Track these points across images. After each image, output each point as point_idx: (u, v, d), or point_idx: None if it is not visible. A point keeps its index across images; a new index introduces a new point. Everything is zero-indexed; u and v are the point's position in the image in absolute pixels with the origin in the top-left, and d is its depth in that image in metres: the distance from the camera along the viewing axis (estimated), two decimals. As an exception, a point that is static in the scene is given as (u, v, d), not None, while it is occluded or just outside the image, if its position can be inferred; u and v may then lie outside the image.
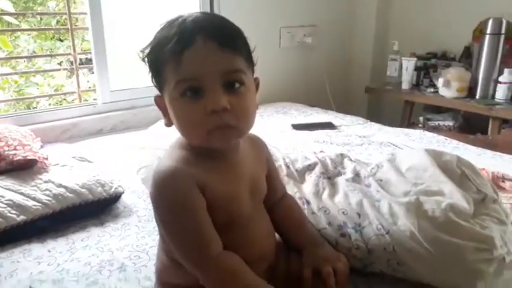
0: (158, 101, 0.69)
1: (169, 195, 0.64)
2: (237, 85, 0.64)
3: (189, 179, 0.64)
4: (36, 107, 2.51)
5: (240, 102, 0.63)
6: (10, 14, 2.49)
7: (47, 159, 1.21)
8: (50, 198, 1.07)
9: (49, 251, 0.97)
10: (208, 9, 2.13)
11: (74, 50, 1.85)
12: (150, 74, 0.68)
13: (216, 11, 2.11)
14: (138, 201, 1.22)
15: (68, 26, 1.81)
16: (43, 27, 3.04)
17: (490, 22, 2.04)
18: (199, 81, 0.62)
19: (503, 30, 2.02)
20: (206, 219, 0.65)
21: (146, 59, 0.67)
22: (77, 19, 2.57)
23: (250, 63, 0.68)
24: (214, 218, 0.67)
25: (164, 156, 0.70)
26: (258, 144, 0.81)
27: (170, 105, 0.65)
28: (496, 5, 2.20)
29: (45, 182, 1.11)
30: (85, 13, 1.84)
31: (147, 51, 0.67)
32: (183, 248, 0.66)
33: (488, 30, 2.04)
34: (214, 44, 0.61)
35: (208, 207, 0.66)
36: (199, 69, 0.61)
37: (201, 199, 0.65)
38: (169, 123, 0.69)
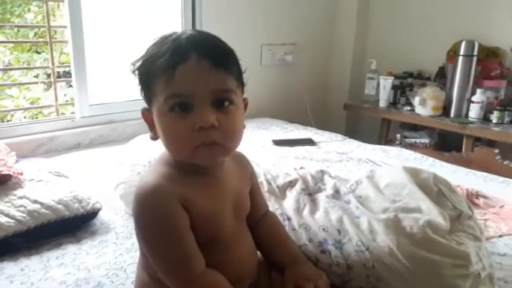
0: (146, 115, 0.69)
1: (152, 212, 0.64)
2: (226, 103, 0.64)
3: (172, 196, 0.64)
4: (10, 120, 2.45)
5: (228, 121, 0.64)
6: (-13, 26, 2.45)
7: (22, 174, 1.18)
8: (24, 215, 1.04)
9: (22, 270, 0.94)
10: (190, 26, 2.15)
11: (53, 63, 1.82)
12: (140, 87, 0.68)
13: (197, 27, 2.13)
14: (116, 218, 1.19)
15: (47, 39, 1.79)
16: (20, 39, 2.99)
17: (463, 44, 2.12)
18: (190, 97, 0.62)
19: (475, 52, 2.11)
20: (189, 237, 0.65)
21: (136, 72, 0.68)
22: (55, 32, 2.54)
23: (241, 83, 0.68)
24: (197, 235, 0.66)
25: (147, 172, 0.70)
26: (242, 161, 0.81)
27: (158, 119, 0.65)
28: (468, 27, 2.30)
29: (20, 197, 1.08)
30: (65, 26, 1.82)
31: (138, 64, 0.67)
32: (165, 265, 0.65)
33: (462, 52, 2.12)
34: (207, 63, 0.61)
35: (192, 224, 0.65)
36: (191, 87, 0.61)
37: (184, 216, 0.64)
38: (155, 137, 0.69)
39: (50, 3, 1.78)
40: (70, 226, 1.10)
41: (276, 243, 0.83)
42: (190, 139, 0.62)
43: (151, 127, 0.69)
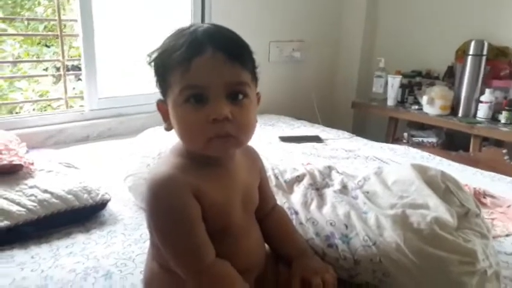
0: (160, 106, 0.70)
1: (164, 202, 0.65)
2: (240, 96, 0.65)
3: (184, 186, 0.65)
4: (19, 113, 2.47)
5: (242, 114, 0.65)
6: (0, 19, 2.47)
7: (32, 164, 1.19)
8: (35, 204, 1.05)
9: (32, 257, 0.95)
10: (199, 21, 2.15)
11: (63, 56, 1.84)
12: (155, 79, 0.69)
13: (206, 20, 2.14)
14: (124, 209, 1.21)
15: (58, 32, 1.80)
16: (30, 32, 3.01)
17: (472, 43, 2.11)
18: (205, 89, 0.63)
19: (484, 52, 2.10)
20: (200, 227, 0.66)
21: (152, 64, 0.69)
22: (65, 25, 2.56)
23: (254, 77, 0.69)
24: (208, 226, 0.67)
25: (159, 163, 0.71)
26: (252, 154, 0.82)
27: (173, 110, 0.66)
28: (478, 27, 2.28)
29: (31, 187, 1.10)
30: (75, 20, 1.83)
31: (154, 55, 0.68)
32: (177, 255, 0.66)
33: (471, 51, 2.11)
34: (222, 56, 0.62)
35: (203, 214, 0.66)
36: (206, 78, 0.62)
37: (196, 207, 0.65)
38: (169, 128, 0.70)
39: (60, -3, 1.80)
40: (80, 216, 1.11)
41: (284, 237, 0.84)
42: (204, 130, 0.63)
43: (165, 118, 0.70)
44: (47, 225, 1.06)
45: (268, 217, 0.84)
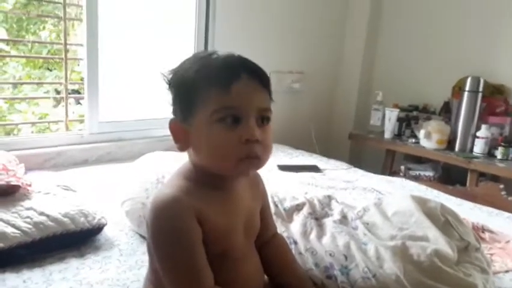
0: (173, 126, 0.71)
1: (167, 224, 0.65)
2: (265, 122, 0.69)
3: (188, 209, 0.65)
4: (16, 135, 2.47)
5: (266, 137, 0.69)
6: (7, 41, 2.51)
7: (30, 185, 1.18)
8: (30, 226, 1.04)
9: (24, 282, 0.93)
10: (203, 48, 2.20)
11: (66, 79, 1.86)
12: (174, 98, 0.71)
13: (210, 49, 2.18)
14: (120, 234, 1.19)
15: (63, 56, 1.83)
16: (34, 55, 3.05)
17: (469, 80, 2.16)
18: (239, 111, 0.66)
19: (480, 88, 2.14)
20: (201, 252, 0.66)
21: (172, 82, 0.71)
22: (68, 50, 2.60)
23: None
24: (209, 250, 0.67)
25: (164, 185, 0.72)
26: (256, 180, 0.83)
27: (201, 129, 0.67)
28: (474, 64, 2.34)
29: (27, 209, 1.08)
30: (81, 44, 1.87)
31: (177, 76, 0.70)
32: (175, 278, 0.65)
33: (467, 88, 2.16)
34: (255, 83, 0.68)
35: (204, 238, 0.66)
36: (242, 102, 0.66)
37: (198, 231, 0.66)
38: (183, 148, 0.71)
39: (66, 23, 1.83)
40: (75, 240, 1.09)
41: (284, 266, 0.83)
42: (236, 151, 0.66)
43: (178, 138, 0.71)
44: (42, 248, 1.04)
45: (268, 245, 0.84)
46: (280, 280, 0.82)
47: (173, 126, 0.71)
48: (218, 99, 0.65)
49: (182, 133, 0.70)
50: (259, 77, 0.68)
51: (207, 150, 0.68)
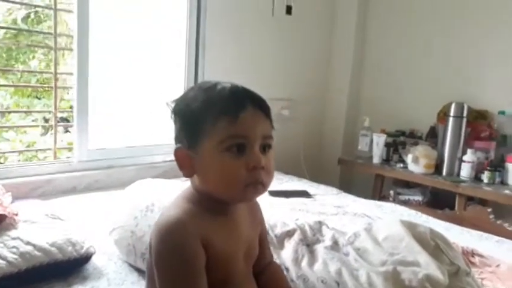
0: (179, 153, 0.72)
1: (172, 248, 0.66)
2: (267, 149, 0.72)
3: (194, 232, 0.66)
4: (3, 163, 2.43)
5: (269, 163, 0.72)
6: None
7: (17, 215, 1.16)
8: (16, 257, 1.01)
9: (9, 314, 0.91)
10: (192, 80, 2.23)
11: (56, 108, 1.86)
12: (179, 127, 0.73)
13: (200, 79, 2.21)
14: (109, 264, 1.17)
15: (52, 84, 1.84)
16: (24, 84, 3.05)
17: (453, 106, 2.21)
18: (246, 139, 0.69)
19: (465, 114, 2.19)
20: (202, 278, 0.66)
21: (177, 111, 0.73)
22: (58, 79, 2.61)
23: None
24: (211, 275, 0.67)
25: (170, 206, 0.72)
26: (255, 207, 0.84)
27: (209, 157, 0.69)
28: (458, 90, 2.41)
29: (13, 238, 1.06)
30: (71, 73, 1.88)
31: (182, 105, 0.73)
32: None
33: (451, 113, 2.21)
34: (260, 112, 0.71)
35: (208, 264, 0.67)
36: (249, 131, 0.69)
37: (202, 256, 0.66)
38: (189, 175, 0.73)
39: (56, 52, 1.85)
40: (62, 270, 1.07)
41: None
42: (244, 177, 0.68)
43: (183, 165, 0.72)
44: (28, 279, 1.01)
45: (265, 272, 0.84)
46: None
47: (178, 153, 0.72)
48: (226, 129, 0.68)
49: (187, 160, 0.71)
50: (262, 107, 0.71)
51: (214, 178, 0.70)
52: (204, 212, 0.70)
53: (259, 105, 0.71)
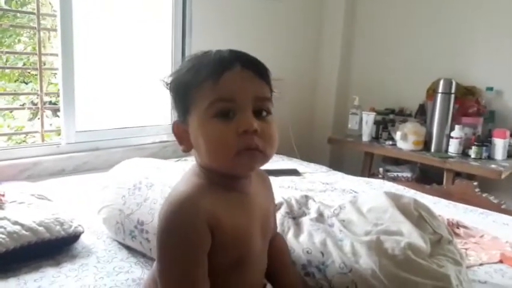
0: (177, 127, 0.70)
1: (177, 227, 0.63)
2: (264, 113, 0.66)
3: (202, 214, 0.63)
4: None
5: (268, 128, 0.66)
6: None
7: (3, 195, 1.16)
8: (4, 236, 1.01)
9: (-2, 292, 0.91)
10: (179, 64, 2.20)
11: (41, 90, 1.84)
12: (173, 99, 0.70)
13: (186, 60, 2.19)
14: (98, 242, 1.17)
15: (37, 66, 1.81)
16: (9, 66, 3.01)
17: (441, 82, 2.22)
18: (234, 102, 0.64)
19: (453, 90, 2.20)
20: (202, 264, 0.64)
21: (170, 86, 0.70)
22: (44, 63, 2.57)
23: (271, 97, 0.70)
24: (226, 256, 0.66)
25: (180, 182, 0.69)
26: (267, 182, 0.82)
27: (199, 126, 0.65)
28: (446, 67, 2.42)
29: (0, 219, 1.05)
30: (56, 54, 1.85)
31: (174, 76, 0.69)
32: (167, 282, 0.64)
33: (440, 90, 2.22)
34: (250, 72, 0.65)
35: (220, 242, 0.64)
36: (236, 91, 0.64)
37: (206, 241, 0.63)
38: (187, 149, 0.69)
39: (41, 34, 1.82)
40: (50, 249, 1.07)
41: (283, 268, 0.83)
42: (234, 143, 0.63)
43: (182, 140, 0.69)
44: (16, 258, 1.01)
45: (270, 244, 0.82)
46: (277, 282, 0.82)
47: (175, 128, 0.70)
48: (210, 92, 0.63)
49: (184, 134, 0.68)
50: (254, 67, 0.66)
51: (205, 147, 0.65)
52: (214, 188, 0.67)
53: (250, 64, 0.65)
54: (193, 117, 0.66)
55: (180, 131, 0.69)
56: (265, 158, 0.67)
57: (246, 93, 0.64)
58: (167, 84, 0.70)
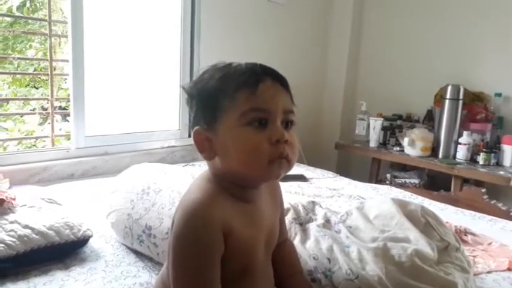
0: (197, 136, 0.70)
1: (192, 232, 0.63)
2: (289, 124, 0.70)
3: (217, 220, 0.64)
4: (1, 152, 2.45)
5: (293, 139, 0.69)
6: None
7: (14, 199, 1.18)
8: (14, 239, 1.03)
9: (8, 295, 0.93)
10: (187, 69, 2.22)
11: (52, 95, 1.86)
12: (196, 107, 0.70)
13: (195, 65, 2.21)
14: (106, 246, 1.19)
15: (48, 72, 1.84)
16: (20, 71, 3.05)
17: (449, 88, 2.21)
18: (268, 113, 0.66)
19: (461, 96, 2.20)
20: (216, 270, 0.64)
21: (194, 94, 0.71)
22: (55, 68, 2.61)
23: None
24: (232, 266, 0.66)
25: (192, 188, 0.70)
26: (275, 188, 0.82)
27: (230, 133, 0.66)
28: (454, 73, 2.41)
29: (11, 222, 1.08)
30: (67, 60, 1.88)
31: (199, 85, 0.70)
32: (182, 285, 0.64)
33: (448, 96, 2.21)
34: (279, 85, 0.69)
35: (229, 253, 0.65)
36: (269, 103, 0.67)
37: (220, 247, 0.64)
38: (210, 156, 0.69)
39: (52, 40, 1.85)
40: (60, 252, 1.09)
41: (291, 274, 0.84)
42: (267, 152, 0.65)
43: (203, 147, 0.69)
44: (26, 261, 1.03)
45: (279, 249, 0.82)
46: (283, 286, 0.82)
47: (196, 136, 0.70)
48: (246, 101, 0.65)
49: (207, 142, 0.69)
50: (281, 80, 0.69)
51: (237, 155, 0.66)
52: (225, 195, 0.68)
53: (278, 78, 0.69)
54: (224, 125, 0.67)
55: (202, 139, 0.69)
56: (290, 167, 0.70)
57: (277, 105, 0.67)
58: (189, 93, 0.71)
